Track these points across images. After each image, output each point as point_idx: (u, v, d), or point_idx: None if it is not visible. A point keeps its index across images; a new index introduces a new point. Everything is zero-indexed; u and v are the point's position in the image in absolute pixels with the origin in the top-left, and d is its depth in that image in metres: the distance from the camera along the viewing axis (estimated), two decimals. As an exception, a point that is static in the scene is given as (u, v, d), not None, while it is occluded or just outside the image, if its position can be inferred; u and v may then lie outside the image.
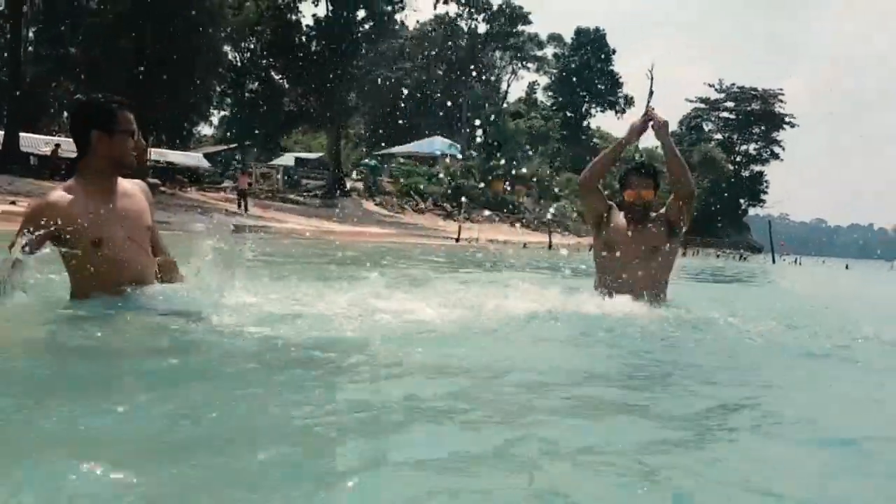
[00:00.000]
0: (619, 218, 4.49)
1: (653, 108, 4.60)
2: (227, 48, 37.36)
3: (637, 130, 4.53)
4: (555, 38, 61.76)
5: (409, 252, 13.86)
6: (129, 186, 3.23)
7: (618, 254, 4.41)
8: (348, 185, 39.88)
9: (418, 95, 54.40)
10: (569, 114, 60.35)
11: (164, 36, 26.62)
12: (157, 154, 34.79)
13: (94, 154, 3.05)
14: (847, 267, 31.50)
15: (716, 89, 68.26)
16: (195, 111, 33.08)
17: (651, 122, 4.49)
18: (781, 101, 67.46)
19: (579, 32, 60.80)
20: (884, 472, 1.71)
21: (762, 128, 67.22)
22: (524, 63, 59.90)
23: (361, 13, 37.69)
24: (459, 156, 47.15)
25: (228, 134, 49.56)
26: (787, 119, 67.69)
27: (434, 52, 55.41)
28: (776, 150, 68.19)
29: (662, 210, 4.50)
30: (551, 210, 44.67)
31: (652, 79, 59.12)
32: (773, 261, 35.80)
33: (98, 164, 3.07)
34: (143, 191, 3.31)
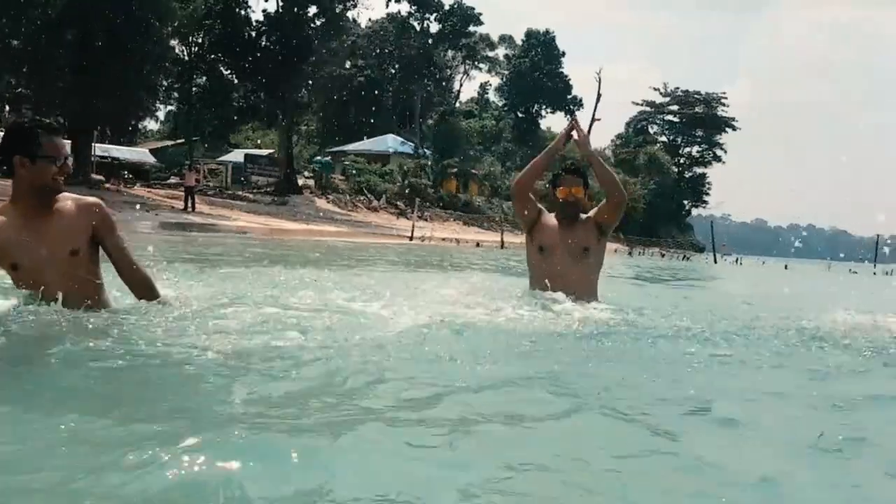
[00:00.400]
0: (551, 219, 4.68)
1: (576, 120, 4.82)
2: (174, 42, 36.63)
3: (563, 140, 4.77)
4: (505, 40, 62.32)
5: (365, 252, 13.91)
6: (68, 206, 3.14)
7: (550, 254, 4.58)
8: (300, 182, 39.57)
9: (371, 93, 54.27)
10: (520, 114, 60.92)
11: (110, 29, 25.97)
12: (102, 150, 33.95)
13: (18, 177, 3.04)
14: (786, 267, 32.59)
15: (661, 93, 69.73)
16: (140, 106, 32.37)
17: (573, 133, 4.72)
18: (724, 105, 69.28)
19: (529, 34, 61.39)
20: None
21: (705, 131, 68.93)
22: (476, 63, 60.31)
23: (312, 9, 37.37)
24: (412, 154, 47.26)
25: (176, 129, 48.60)
26: (729, 122, 69.53)
27: (387, 51, 55.35)
28: (718, 152, 70.00)
29: (592, 213, 4.70)
30: (504, 209, 45.07)
31: (600, 81, 60.19)
32: (715, 261, 36.85)
33: (22, 188, 3.06)
34: (86, 209, 3.17)
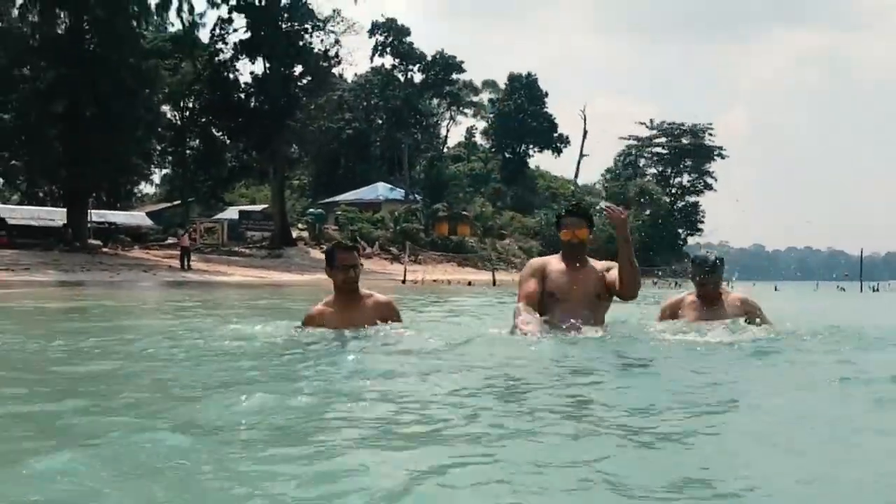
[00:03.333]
0: (555, 264, 4.58)
1: (609, 207, 4.36)
2: (165, 108, 37.74)
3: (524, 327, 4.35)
4: (489, 84, 63.84)
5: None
6: None
7: (562, 300, 4.44)
8: (294, 234, 40.28)
9: (360, 144, 55.43)
10: (507, 155, 62.08)
11: (99, 98, 26.83)
12: (98, 215, 34.77)
13: None
14: (776, 289, 32.92)
15: (647, 126, 70.98)
16: (134, 171, 33.23)
17: (614, 214, 4.31)
18: (711, 135, 70.37)
19: (512, 78, 62.90)
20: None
21: (694, 160, 69.89)
22: (461, 109, 61.69)
23: (298, 69, 38.58)
24: (403, 200, 48.10)
25: (172, 191, 49.62)
26: (717, 151, 70.53)
27: (373, 102, 56.77)
28: (709, 180, 70.85)
29: (607, 272, 4.53)
30: (497, 247, 45.67)
31: (584, 118, 61.52)
32: (708, 285, 37.09)
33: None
34: None
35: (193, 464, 1.85)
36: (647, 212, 59.78)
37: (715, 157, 70.43)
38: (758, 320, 4.69)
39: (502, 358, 3.69)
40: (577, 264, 4.52)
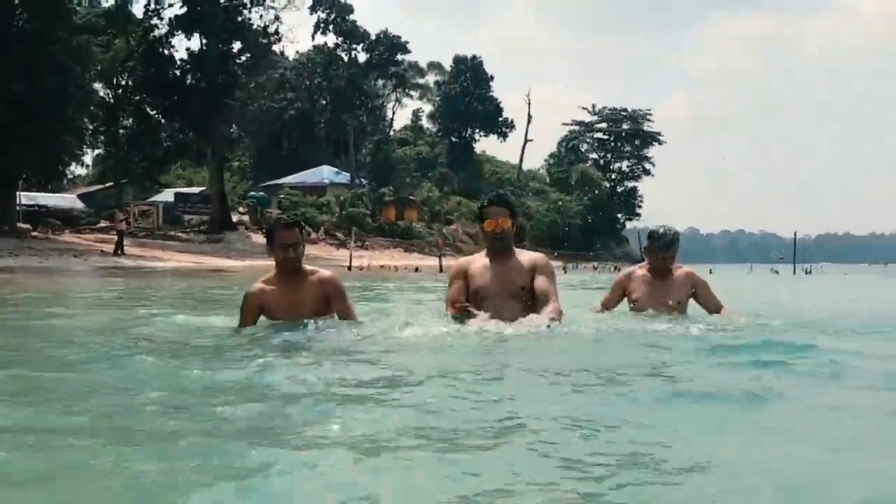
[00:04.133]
0: (480, 261, 4.44)
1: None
2: (97, 85, 36.08)
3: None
4: (435, 66, 63.27)
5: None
6: None
7: (486, 297, 4.29)
8: (234, 218, 39.21)
9: (303, 125, 54.26)
10: (454, 139, 61.84)
11: (29, 76, 25.56)
12: (28, 198, 33.26)
13: None
14: (711, 271, 33.71)
15: (589, 112, 71.74)
16: (66, 151, 31.76)
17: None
18: (649, 121, 71.62)
19: (458, 60, 62.52)
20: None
21: (633, 146, 71.11)
22: (407, 91, 60.97)
23: (237, 45, 37.37)
24: (348, 184, 47.42)
25: (105, 173, 47.67)
26: (655, 137, 71.85)
27: (316, 82, 55.53)
28: (647, 166, 72.20)
29: (536, 264, 4.40)
30: (443, 232, 45.50)
31: (529, 103, 61.74)
32: (645, 269, 37.78)
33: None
34: None
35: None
36: (587, 198, 60.62)
37: (653, 143, 71.84)
38: (725, 315, 4.83)
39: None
40: (502, 257, 4.40)
